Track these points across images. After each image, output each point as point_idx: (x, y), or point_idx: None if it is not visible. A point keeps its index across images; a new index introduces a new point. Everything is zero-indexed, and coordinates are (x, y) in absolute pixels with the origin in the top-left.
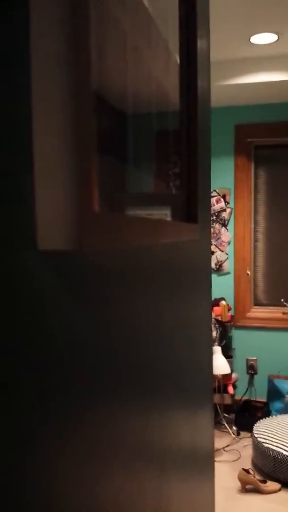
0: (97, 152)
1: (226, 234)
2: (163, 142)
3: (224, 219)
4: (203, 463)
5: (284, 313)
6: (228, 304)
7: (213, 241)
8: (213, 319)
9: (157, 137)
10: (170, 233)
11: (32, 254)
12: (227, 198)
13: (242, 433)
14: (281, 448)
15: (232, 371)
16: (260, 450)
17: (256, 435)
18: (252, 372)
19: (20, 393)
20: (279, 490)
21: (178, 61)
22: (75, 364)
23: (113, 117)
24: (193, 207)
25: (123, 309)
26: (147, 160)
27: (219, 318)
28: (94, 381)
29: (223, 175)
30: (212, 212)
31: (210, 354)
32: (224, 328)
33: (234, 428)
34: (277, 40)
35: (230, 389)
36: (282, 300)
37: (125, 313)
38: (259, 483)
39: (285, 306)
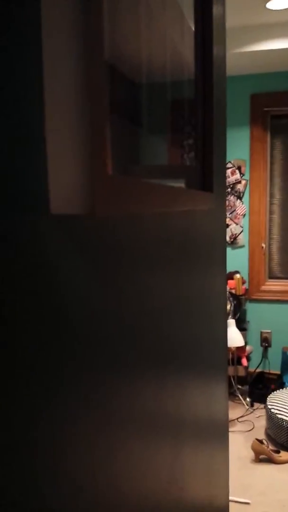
0: (111, 118)
1: (241, 207)
2: (178, 112)
3: (239, 191)
4: (218, 433)
5: None
6: (242, 278)
7: (227, 214)
8: (227, 292)
9: (172, 106)
10: (185, 200)
11: (45, 218)
12: (243, 169)
13: (256, 405)
14: None
15: (246, 343)
16: (273, 421)
17: (269, 406)
18: (266, 344)
19: (32, 360)
20: None
21: (193, 28)
22: (88, 331)
23: (127, 84)
24: (208, 176)
25: (137, 277)
26: (161, 129)
27: (233, 291)
28: (108, 348)
29: (239, 146)
30: (227, 184)
31: (225, 325)
32: (239, 301)
33: (248, 399)
34: None
35: (244, 361)
36: None
37: (139, 281)
38: (273, 453)
39: None
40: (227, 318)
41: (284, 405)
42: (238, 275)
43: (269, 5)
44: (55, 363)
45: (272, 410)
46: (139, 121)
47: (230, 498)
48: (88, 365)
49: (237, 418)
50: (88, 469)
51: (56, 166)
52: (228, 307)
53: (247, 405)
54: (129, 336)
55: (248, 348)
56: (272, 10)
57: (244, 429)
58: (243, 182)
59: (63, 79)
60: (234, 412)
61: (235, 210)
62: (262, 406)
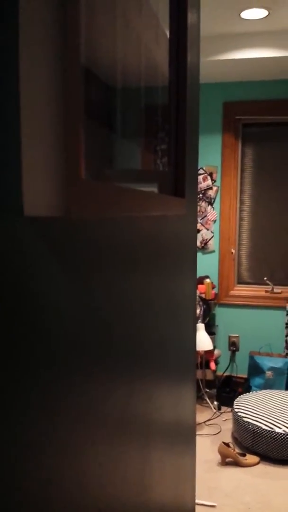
0: (85, 122)
1: (212, 213)
2: (151, 117)
3: (211, 197)
4: (185, 436)
5: (266, 291)
6: (212, 282)
7: (199, 219)
8: (197, 297)
9: (146, 112)
10: (158, 205)
11: (18, 220)
12: (214, 176)
13: (223, 408)
14: (260, 422)
15: (214, 347)
16: (240, 424)
17: (236, 410)
18: (234, 348)
19: (2, 361)
20: (258, 463)
21: (168, 35)
22: (58, 333)
23: (102, 89)
24: (180, 182)
25: (108, 279)
26: (135, 134)
27: (203, 295)
28: (78, 350)
29: (211, 153)
30: (198, 190)
31: (194, 329)
32: (208, 306)
33: (215, 403)
34: (267, 15)
35: (212, 365)
36: (265, 278)
37: (110, 284)
38: (239, 456)
39: (268, 284)
40: (196, 322)
41: (250, 408)
42: (208, 280)
43: (243, 15)
44: (26, 364)
45: (239, 414)
46: (113, 125)
47: (197, 501)
48: (58, 367)
49: (205, 422)
50: (56, 471)
51: (30, 169)
52: (198, 311)
53: (215, 408)
54: (100, 338)
55: (216, 352)
56: (246, 20)
57: (211, 432)
58: (215, 188)
59: (39, 82)
60: (202, 415)
61: (206, 215)
62: (229, 409)
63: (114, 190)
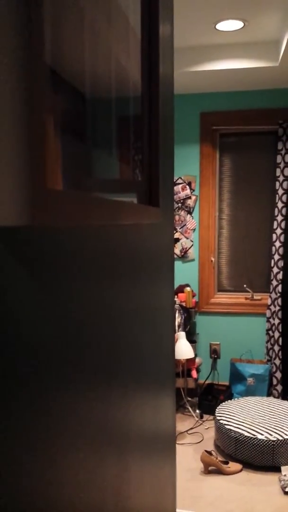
0: (54, 131)
1: (191, 221)
2: (126, 127)
3: (189, 207)
4: (164, 444)
5: (246, 298)
6: (192, 291)
7: (178, 228)
8: (177, 305)
9: (120, 122)
10: (131, 214)
11: None
12: (193, 185)
13: (205, 416)
14: (242, 429)
15: (195, 355)
16: (222, 432)
17: (218, 418)
18: (215, 356)
19: None
20: (241, 470)
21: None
22: (28, 345)
23: (74, 98)
24: (154, 191)
25: (81, 290)
26: (109, 144)
27: (184, 304)
28: (52, 361)
29: (189, 163)
30: (177, 199)
31: (172, 338)
32: (189, 314)
33: (197, 411)
34: (243, 27)
35: (194, 373)
36: (245, 286)
37: (84, 294)
38: (221, 464)
39: (247, 291)
40: (174, 330)
41: (232, 416)
42: (188, 288)
43: (219, 27)
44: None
45: (221, 421)
46: (86, 135)
47: (178, 510)
48: (31, 379)
49: (187, 431)
50: (32, 481)
51: None
52: (179, 319)
53: (197, 417)
54: (74, 349)
55: (197, 360)
56: (221, 31)
57: (194, 441)
58: (193, 197)
59: (2, 89)
60: (184, 424)
61: (185, 224)
62: (211, 417)
63: (83, 199)
